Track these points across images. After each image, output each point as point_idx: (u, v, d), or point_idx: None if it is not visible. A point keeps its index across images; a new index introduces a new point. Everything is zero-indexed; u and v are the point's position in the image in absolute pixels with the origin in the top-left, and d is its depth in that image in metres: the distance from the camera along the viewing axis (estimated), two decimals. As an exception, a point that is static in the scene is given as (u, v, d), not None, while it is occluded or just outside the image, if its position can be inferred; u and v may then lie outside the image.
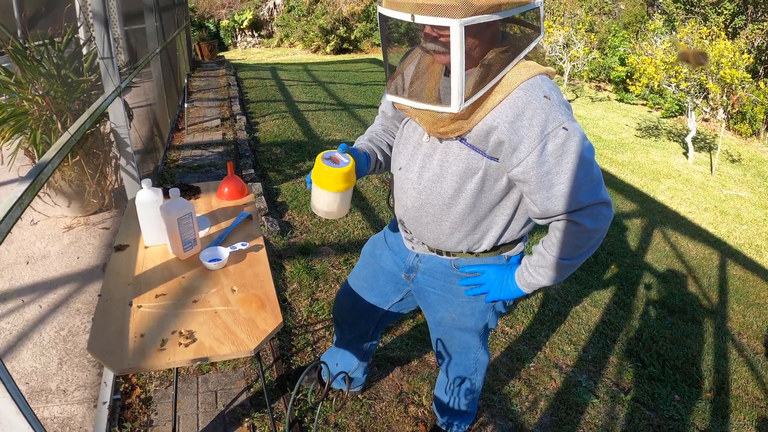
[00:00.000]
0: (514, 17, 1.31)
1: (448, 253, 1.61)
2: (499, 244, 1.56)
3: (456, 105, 1.28)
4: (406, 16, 1.22)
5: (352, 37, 20.11)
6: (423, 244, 1.64)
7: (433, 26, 1.25)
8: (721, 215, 8.39)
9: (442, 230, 1.53)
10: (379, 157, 1.75)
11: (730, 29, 14.48)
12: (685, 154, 11.29)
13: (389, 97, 1.41)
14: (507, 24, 1.38)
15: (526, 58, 1.36)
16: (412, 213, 1.57)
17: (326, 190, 1.52)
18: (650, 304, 4.39)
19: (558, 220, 1.40)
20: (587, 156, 1.32)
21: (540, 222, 1.45)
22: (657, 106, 14.82)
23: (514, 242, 1.60)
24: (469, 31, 1.22)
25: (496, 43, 1.33)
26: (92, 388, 2.37)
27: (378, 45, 19.12)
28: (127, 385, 2.39)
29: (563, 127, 1.29)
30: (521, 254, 1.64)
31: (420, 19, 1.20)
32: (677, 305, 4.46)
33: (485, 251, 1.57)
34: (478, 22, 1.19)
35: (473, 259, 1.59)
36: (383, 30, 1.38)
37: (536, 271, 1.48)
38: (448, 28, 1.19)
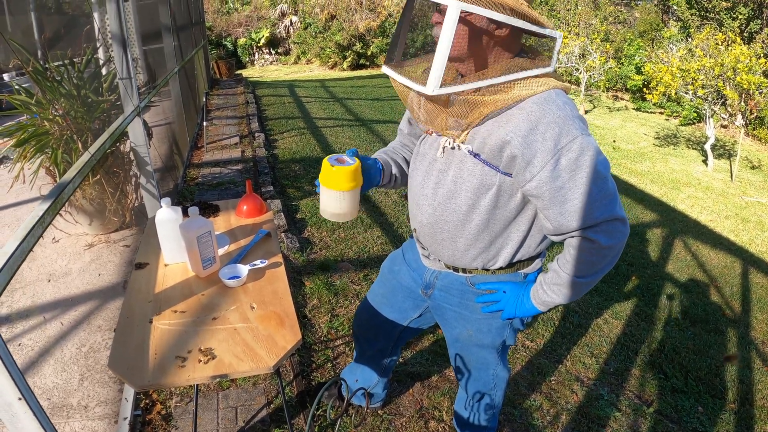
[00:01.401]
0: (518, 29, 1.30)
1: (464, 270, 1.61)
2: (514, 261, 1.55)
3: (430, 87, 1.26)
4: None
5: (369, 53, 20.23)
6: (439, 260, 1.64)
7: (437, 8, 1.27)
8: (742, 222, 8.26)
9: (457, 247, 1.53)
10: (394, 170, 1.76)
11: (745, 34, 14.35)
12: (705, 161, 11.17)
13: (383, 69, 1.41)
14: (518, 39, 1.37)
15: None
16: (427, 229, 1.58)
17: (334, 190, 1.53)
18: (672, 314, 4.33)
19: (572, 237, 1.39)
20: (602, 171, 1.31)
21: (554, 239, 1.45)
22: (675, 114, 14.70)
23: (531, 259, 1.59)
24: (469, 22, 1.26)
25: (504, 53, 1.34)
26: (113, 403, 2.40)
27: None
28: (147, 401, 2.41)
29: (578, 141, 1.28)
30: (539, 271, 1.62)
31: None
32: (699, 315, 4.40)
33: (501, 268, 1.56)
34: (473, 11, 1.20)
35: (489, 276, 1.59)
36: (402, 15, 1.40)
37: (551, 288, 1.47)
38: (446, 9, 1.20)
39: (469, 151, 1.40)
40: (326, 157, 1.54)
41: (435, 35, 1.30)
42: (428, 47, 1.31)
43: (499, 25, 1.27)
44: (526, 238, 1.51)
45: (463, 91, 1.31)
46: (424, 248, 1.68)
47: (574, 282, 1.42)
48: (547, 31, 1.30)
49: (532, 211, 1.45)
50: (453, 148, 1.45)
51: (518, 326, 1.70)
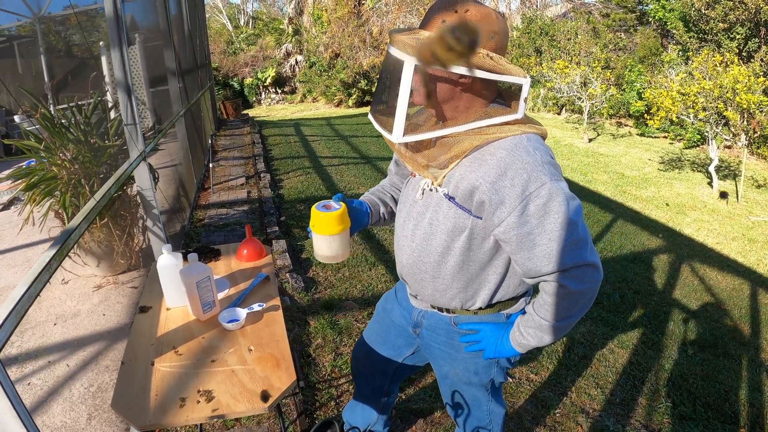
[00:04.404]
0: (480, 78, 1.32)
1: (447, 310, 1.63)
2: (494, 301, 1.57)
3: (395, 136, 1.35)
4: (389, 47, 1.35)
5: (373, 90, 20.48)
6: (424, 300, 1.68)
7: (397, 60, 1.33)
8: (749, 243, 8.24)
9: (437, 287, 1.56)
10: (382, 210, 1.83)
11: (744, 54, 14.45)
12: (710, 183, 11.18)
13: (369, 116, 1.50)
14: (489, 86, 1.39)
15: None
16: (407, 269, 1.63)
17: (323, 235, 1.63)
18: (680, 341, 4.31)
19: (544, 281, 1.40)
20: (571, 216, 1.32)
21: (528, 281, 1.46)
22: (678, 138, 14.77)
23: (514, 299, 1.60)
24: (429, 74, 1.33)
25: (476, 99, 1.39)
26: (120, 443, 2.43)
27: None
28: (154, 441, 2.44)
29: (546, 188, 1.30)
30: (522, 312, 1.62)
31: (392, 50, 1.33)
32: (708, 340, 4.38)
33: (481, 308, 1.58)
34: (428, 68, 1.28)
35: (472, 317, 1.61)
36: (382, 67, 1.49)
37: (526, 331, 1.48)
38: (403, 63, 1.29)
39: (445, 194, 1.44)
40: (314, 205, 1.63)
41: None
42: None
43: (461, 75, 1.32)
44: (503, 280, 1.53)
45: (432, 137, 1.38)
46: (410, 287, 1.72)
47: (547, 326, 1.43)
48: (508, 78, 1.32)
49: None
50: (431, 190, 1.50)
51: (506, 365, 1.71)
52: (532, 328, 1.47)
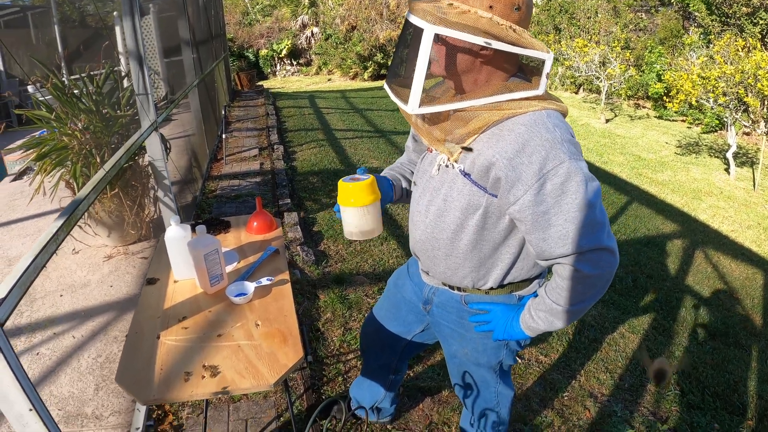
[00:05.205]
0: (500, 50, 1.27)
1: (459, 289, 1.60)
2: (506, 282, 1.53)
3: (411, 106, 1.30)
4: (407, 15, 1.31)
5: (390, 63, 20.28)
6: (436, 277, 1.65)
7: (416, 28, 1.28)
8: (765, 232, 8.12)
9: (449, 265, 1.53)
10: (404, 185, 1.79)
11: (767, 39, 14.14)
12: (727, 170, 11.02)
13: (384, 86, 1.45)
14: (510, 59, 1.34)
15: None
16: (420, 246, 1.59)
17: (355, 207, 1.54)
18: (691, 328, 4.27)
19: (557, 264, 1.36)
20: (590, 198, 1.27)
21: (541, 263, 1.42)
22: (697, 122, 14.53)
23: (526, 281, 1.56)
24: (448, 44, 1.28)
25: (495, 72, 1.34)
26: (126, 414, 2.43)
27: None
28: (160, 411, 2.45)
29: (564, 166, 1.25)
30: (535, 294, 1.57)
31: (410, 18, 1.27)
32: (719, 329, 4.33)
33: (492, 288, 1.55)
34: (447, 34, 1.22)
35: (483, 296, 1.57)
36: (399, 36, 1.44)
37: (537, 315, 1.44)
38: (422, 31, 1.23)
39: (461, 171, 1.40)
40: (341, 180, 1.56)
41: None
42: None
43: (482, 47, 1.27)
44: (517, 261, 1.48)
45: (448, 110, 1.34)
46: (422, 263, 1.68)
47: (558, 310, 1.39)
48: (531, 53, 1.27)
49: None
50: (447, 166, 1.45)
51: (515, 347, 1.68)
52: (543, 312, 1.43)
